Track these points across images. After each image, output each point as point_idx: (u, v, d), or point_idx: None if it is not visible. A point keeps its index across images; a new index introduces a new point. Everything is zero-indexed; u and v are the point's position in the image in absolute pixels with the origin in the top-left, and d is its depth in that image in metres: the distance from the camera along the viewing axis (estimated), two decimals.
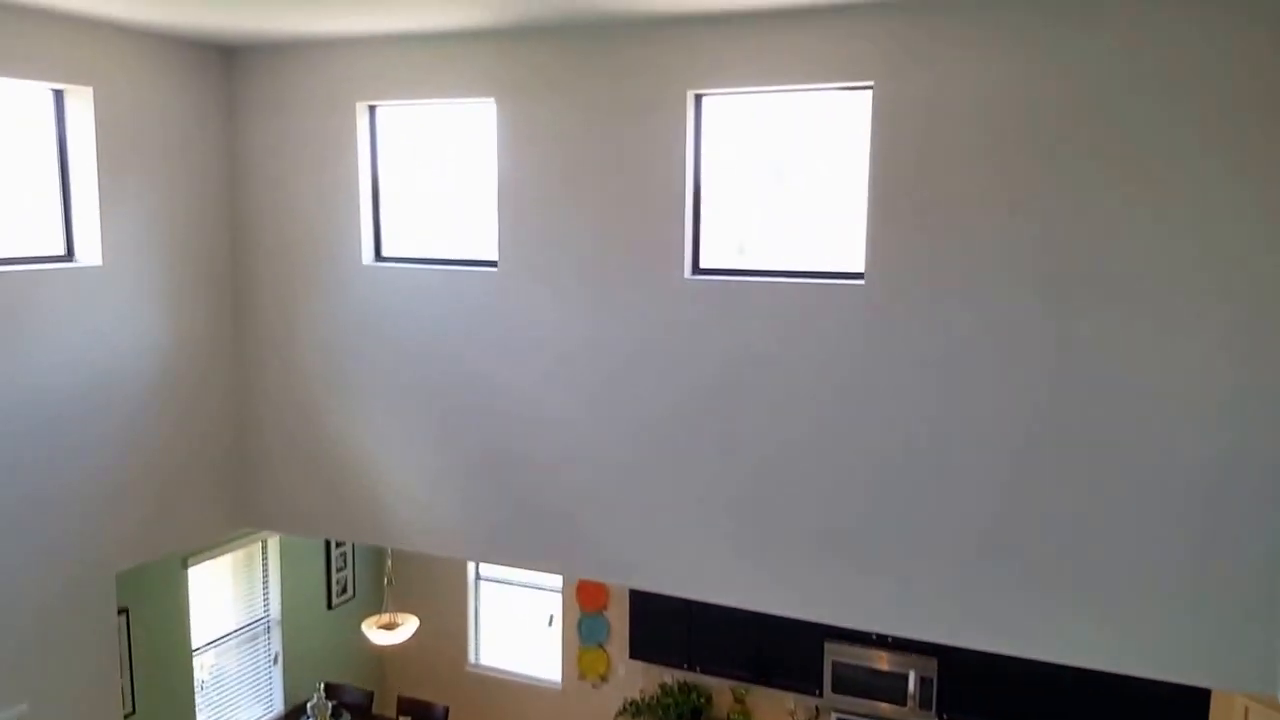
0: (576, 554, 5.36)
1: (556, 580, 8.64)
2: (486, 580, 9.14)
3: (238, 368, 6.05)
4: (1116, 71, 4.02)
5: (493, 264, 5.34)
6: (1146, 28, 3.96)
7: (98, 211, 5.04)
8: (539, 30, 4.96)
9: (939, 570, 4.58)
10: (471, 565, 9.08)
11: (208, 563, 7.32)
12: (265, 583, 7.99)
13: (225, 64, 5.74)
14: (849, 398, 4.64)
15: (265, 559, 7.94)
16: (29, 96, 4.87)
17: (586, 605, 8.50)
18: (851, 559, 4.74)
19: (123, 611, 6.57)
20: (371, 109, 5.56)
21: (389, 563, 8.19)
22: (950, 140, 4.30)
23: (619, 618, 8.39)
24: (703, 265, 4.98)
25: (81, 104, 4.95)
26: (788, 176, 4.89)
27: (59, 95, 4.95)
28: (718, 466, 4.95)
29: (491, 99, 5.16)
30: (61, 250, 5.09)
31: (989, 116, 4.23)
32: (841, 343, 4.62)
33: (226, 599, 7.69)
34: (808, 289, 4.66)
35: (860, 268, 4.61)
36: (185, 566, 7.10)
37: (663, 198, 4.85)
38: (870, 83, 4.41)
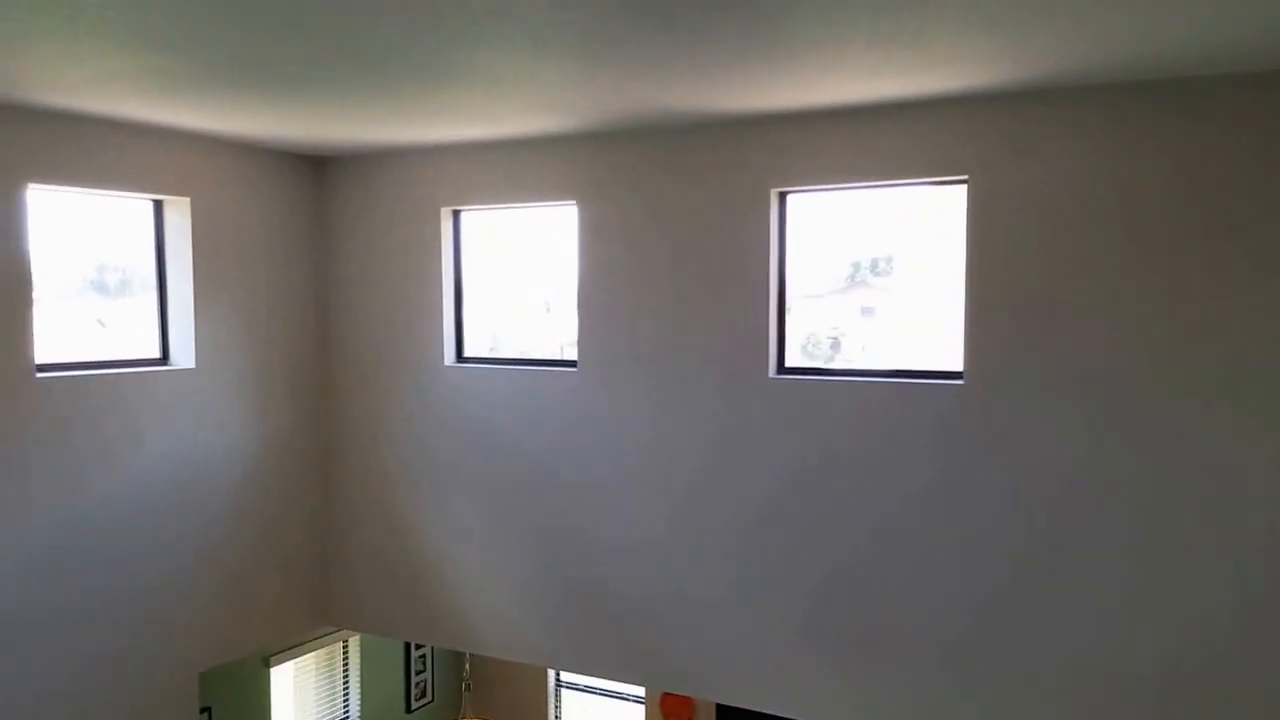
0: (658, 664, 5.11)
1: (640, 688, 8.29)
2: (568, 687, 8.84)
3: (322, 468, 6.06)
4: (1222, 162, 3.75)
5: (572, 364, 5.26)
6: (1252, 115, 3.69)
7: (192, 316, 5.17)
8: (620, 133, 4.95)
9: (1054, 698, 4.16)
10: (552, 671, 8.81)
11: (289, 663, 7.25)
12: (346, 684, 7.88)
13: (315, 172, 5.91)
14: (948, 506, 4.33)
15: (346, 659, 7.85)
16: (131, 207, 5.06)
17: (671, 716, 8.11)
18: (955, 677, 4.36)
19: (205, 710, 6.51)
20: (455, 214, 5.62)
21: (467, 667, 8.00)
22: (1054, 234, 4.06)
23: None
24: (788, 364, 4.79)
25: (179, 214, 5.12)
26: (884, 270, 4.70)
27: (158, 205, 5.14)
28: (804, 575, 4.66)
29: (573, 202, 5.15)
30: (158, 354, 5.21)
31: (1093, 209, 3.98)
32: (940, 446, 4.33)
33: (308, 700, 7.60)
34: (902, 389, 4.41)
35: (959, 366, 4.35)
36: (267, 666, 7.04)
37: (746, 296, 4.71)
38: (964, 176, 4.22)
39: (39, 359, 4.49)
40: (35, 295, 4.43)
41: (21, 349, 4.39)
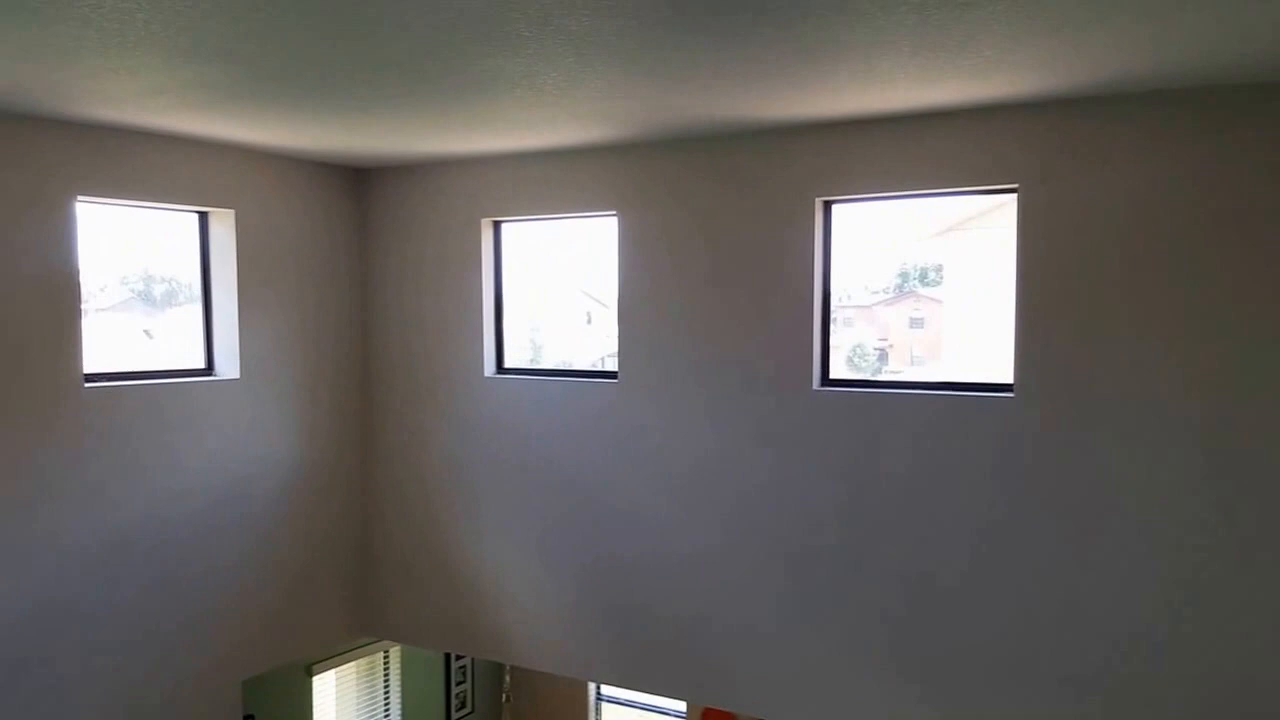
0: (699, 679, 5.03)
1: (681, 703, 8.19)
2: (608, 700, 8.77)
3: (363, 478, 6.08)
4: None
5: (613, 375, 5.21)
6: None
7: (237, 327, 5.21)
8: (661, 143, 4.90)
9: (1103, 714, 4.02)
10: (592, 684, 8.74)
11: (331, 672, 7.28)
12: (386, 693, 7.89)
13: (357, 183, 5.94)
14: (996, 521, 4.21)
15: (387, 669, 7.86)
16: (177, 219, 5.12)
17: None
18: (1008, 696, 4.22)
19: (248, 717, 6.54)
20: (496, 225, 5.61)
21: (507, 678, 7.96)
22: (1107, 244, 3.93)
23: None
24: (833, 376, 4.70)
25: (224, 225, 5.17)
26: (934, 280, 4.59)
27: (203, 217, 5.19)
28: (849, 590, 4.56)
29: (614, 213, 5.11)
30: (203, 364, 5.26)
31: (1148, 218, 3.85)
32: (989, 461, 4.21)
33: (349, 708, 7.62)
34: (951, 401, 4.30)
35: (1009, 378, 4.23)
36: (309, 674, 7.06)
37: (790, 307, 4.63)
38: (1015, 185, 4.11)
39: (87, 369, 4.55)
40: (84, 306, 4.49)
41: (71, 359, 4.45)
